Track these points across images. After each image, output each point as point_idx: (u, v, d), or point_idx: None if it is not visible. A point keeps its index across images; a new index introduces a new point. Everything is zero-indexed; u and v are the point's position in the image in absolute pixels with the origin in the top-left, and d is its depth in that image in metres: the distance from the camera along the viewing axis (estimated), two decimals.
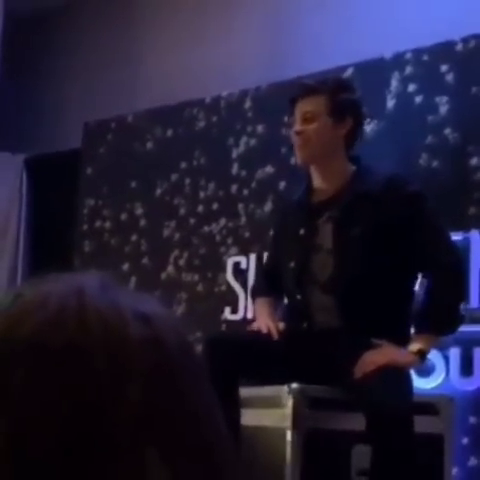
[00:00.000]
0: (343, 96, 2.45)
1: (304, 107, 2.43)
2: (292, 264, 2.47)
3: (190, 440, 0.48)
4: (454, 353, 3.08)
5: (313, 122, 2.42)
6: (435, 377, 3.08)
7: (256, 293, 2.81)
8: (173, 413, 0.48)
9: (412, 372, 3.02)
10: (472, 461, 2.98)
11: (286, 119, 3.19)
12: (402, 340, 2.40)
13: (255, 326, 2.52)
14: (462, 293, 2.51)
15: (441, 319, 2.37)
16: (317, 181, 2.50)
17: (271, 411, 2.52)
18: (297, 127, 2.44)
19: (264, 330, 2.44)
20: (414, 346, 2.31)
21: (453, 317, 2.40)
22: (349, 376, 2.24)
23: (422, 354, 2.32)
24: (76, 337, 0.48)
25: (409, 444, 2.16)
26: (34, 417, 0.46)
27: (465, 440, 2.98)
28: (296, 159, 2.56)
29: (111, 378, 0.47)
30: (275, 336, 2.41)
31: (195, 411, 0.50)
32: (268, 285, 2.71)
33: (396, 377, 2.23)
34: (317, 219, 2.46)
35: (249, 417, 2.56)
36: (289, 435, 2.42)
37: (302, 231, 2.46)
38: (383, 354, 2.26)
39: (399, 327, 2.41)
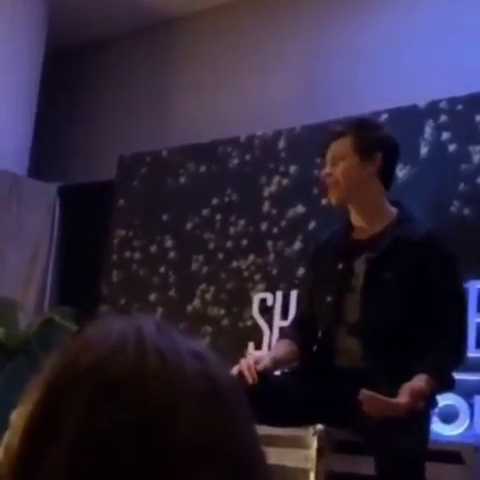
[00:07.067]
0: (368, 133, 2.50)
1: (332, 151, 2.50)
2: (329, 299, 2.47)
3: (237, 463, 0.52)
4: (479, 400, 3.07)
5: (340, 163, 2.48)
6: (459, 424, 3.07)
7: (280, 335, 2.77)
8: (223, 437, 0.52)
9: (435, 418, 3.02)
10: None
11: (318, 160, 3.24)
12: None
13: (234, 369, 2.35)
14: (460, 357, 2.39)
15: (441, 367, 2.27)
16: (356, 218, 2.53)
17: (294, 451, 2.51)
18: (326, 170, 2.51)
19: (245, 371, 2.28)
20: (404, 394, 2.16)
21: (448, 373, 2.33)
22: (364, 420, 2.21)
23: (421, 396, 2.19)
24: (135, 366, 0.51)
25: None
26: (91, 442, 0.49)
27: None
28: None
29: (166, 401, 0.50)
30: (249, 380, 2.28)
31: (242, 437, 0.53)
32: (295, 330, 2.62)
33: (409, 419, 2.20)
34: (355, 259, 2.47)
35: (271, 456, 2.56)
36: (312, 477, 2.41)
37: (340, 266, 2.47)
38: (376, 410, 2.13)
39: None
